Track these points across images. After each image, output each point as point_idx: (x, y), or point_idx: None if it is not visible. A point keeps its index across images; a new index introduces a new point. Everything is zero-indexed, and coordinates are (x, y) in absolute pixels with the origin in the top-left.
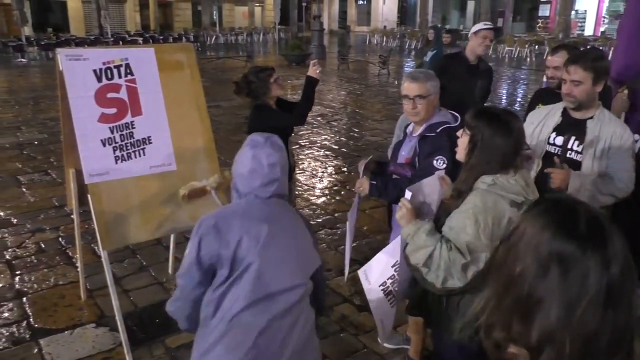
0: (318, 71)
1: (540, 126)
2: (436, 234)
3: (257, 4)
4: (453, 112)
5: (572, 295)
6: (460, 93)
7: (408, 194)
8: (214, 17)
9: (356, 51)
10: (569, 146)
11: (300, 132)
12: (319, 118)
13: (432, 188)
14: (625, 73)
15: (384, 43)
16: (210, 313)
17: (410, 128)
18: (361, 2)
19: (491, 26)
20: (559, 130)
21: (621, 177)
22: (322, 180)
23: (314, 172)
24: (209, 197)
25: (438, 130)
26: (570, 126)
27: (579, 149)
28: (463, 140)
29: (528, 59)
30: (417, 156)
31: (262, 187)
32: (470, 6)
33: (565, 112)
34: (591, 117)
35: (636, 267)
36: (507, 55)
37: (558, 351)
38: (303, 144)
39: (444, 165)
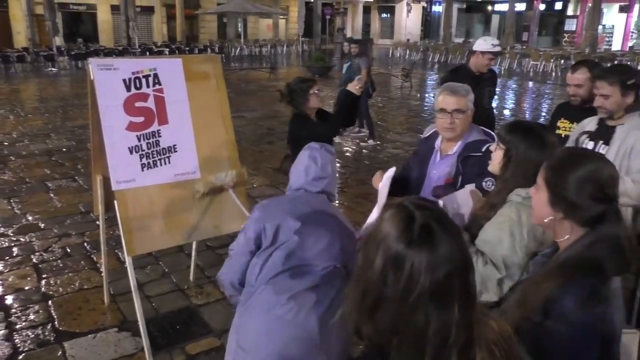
0: (357, 87)
1: (578, 135)
2: (472, 247)
3: (282, 17)
4: (483, 128)
5: (401, 293)
6: None
7: (441, 204)
8: (239, 29)
9: (379, 64)
10: (596, 149)
11: None
12: (339, 129)
13: (465, 200)
14: None
15: (406, 56)
16: (255, 273)
17: (437, 144)
18: (384, 15)
19: (499, 50)
20: (591, 136)
21: (637, 178)
22: (344, 193)
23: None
24: (233, 206)
25: (484, 150)
26: (602, 132)
27: (603, 151)
28: (497, 154)
29: (553, 74)
30: (459, 176)
31: (313, 181)
32: (495, 20)
33: (601, 120)
34: (622, 124)
35: None
36: (532, 70)
37: (396, 346)
38: None
39: (493, 187)
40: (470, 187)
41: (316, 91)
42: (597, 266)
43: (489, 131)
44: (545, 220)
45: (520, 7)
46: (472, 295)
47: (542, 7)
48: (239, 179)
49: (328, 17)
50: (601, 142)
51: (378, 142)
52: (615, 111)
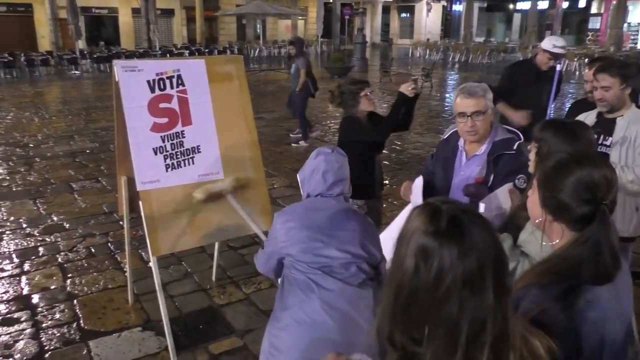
0: (410, 88)
1: None
2: (516, 250)
3: (300, 18)
4: (506, 127)
5: (433, 283)
6: (529, 98)
7: (482, 207)
8: (258, 31)
9: (398, 64)
10: (600, 141)
11: None
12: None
13: (504, 199)
14: None
15: (426, 56)
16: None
17: (461, 145)
18: (404, 14)
19: (559, 52)
20: (593, 129)
21: (636, 168)
22: None
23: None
24: (255, 207)
25: (515, 148)
26: (602, 125)
27: (608, 143)
28: (532, 154)
29: (577, 73)
30: (491, 175)
31: (332, 186)
32: (517, 19)
33: (599, 114)
34: (621, 116)
35: None
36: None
37: (428, 338)
38: None
39: (525, 184)
40: (509, 186)
41: (368, 94)
42: (571, 271)
43: (513, 129)
44: (537, 221)
45: (543, 5)
46: (506, 286)
47: (565, 5)
48: (237, 184)
49: (347, 17)
50: (602, 135)
51: (308, 144)
52: (615, 104)
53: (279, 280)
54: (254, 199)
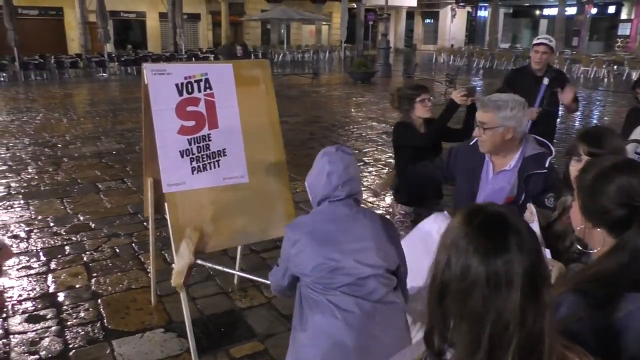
0: (460, 95)
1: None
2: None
3: (324, 23)
4: (536, 137)
5: (459, 275)
6: (528, 103)
7: None
8: (282, 35)
9: (422, 69)
10: None
11: (365, 150)
12: (383, 136)
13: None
14: None
15: (450, 61)
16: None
17: (488, 157)
18: (428, 20)
19: (542, 41)
20: None
21: None
22: (386, 199)
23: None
24: (279, 211)
25: (547, 165)
26: None
27: None
28: (572, 168)
29: (605, 80)
30: (522, 194)
31: (339, 188)
32: (543, 25)
33: None
34: None
35: None
36: (582, 76)
37: (454, 332)
38: (367, 161)
39: (554, 202)
40: (531, 207)
41: (425, 100)
42: (611, 278)
43: (543, 140)
44: (578, 229)
45: (571, 11)
46: (541, 295)
47: (593, 10)
48: (196, 239)
49: (371, 22)
50: None
51: None
52: None
53: (297, 295)
54: (278, 203)
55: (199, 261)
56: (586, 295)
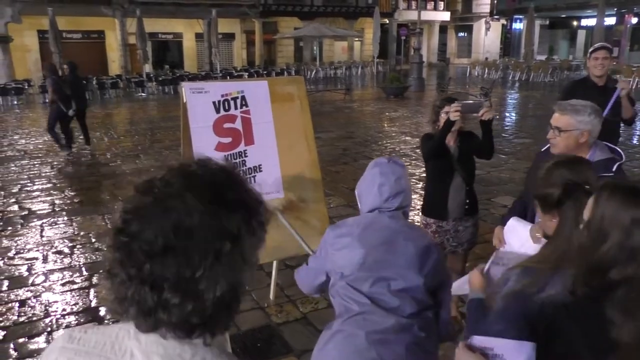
0: (452, 111)
1: None
2: None
3: (357, 39)
4: (608, 144)
5: None
6: None
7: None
8: (315, 52)
9: (456, 83)
10: None
11: None
12: (417, 150)
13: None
14: None
15: (485, 75)
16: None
17: None
18: (461, 34)
19: (602, 46)
20: None
21: None
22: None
23: (412, 206)
24: (314, 226)
25: (614, 170)
26: None
27: None
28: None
29: None
30: None
31: (390, 199)
32: (581, 36)
33: None
34: None
35: None
36: None
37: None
38: None
39: None
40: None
41: (452, 112)
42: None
43: (615, 148)
44: (537, 226)
45: (610, 21)
46: None
47: (634, 20)
48: (287, 203)
49: (403, 37)
50: None
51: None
52: None
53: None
54: (313, 219)
55: None
56: (527, 271)
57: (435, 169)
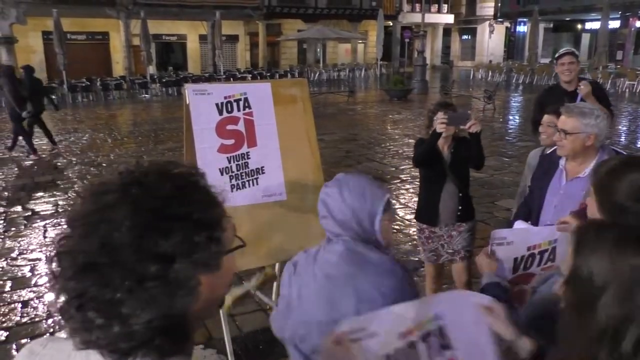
0: (438, 122)
1: None
2: None
3: (360, 42)
4: (614, 148)
5: None
6: None
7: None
8: (318, 54)
9: (460, 86)
10: None
11: (402, 167)
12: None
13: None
14: None
15: (489, 78)
16: None
17: (562, 164)
18: (465, 37)
19: (566, 52)
20: None
21: None
22: None
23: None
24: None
25: None
26: None
27: None
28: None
29: None
30: None
31: (334, 228)
32: (585, 39)
33: None
34: None
35: None
36: (627, 90)
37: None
38: (404, 178)
39: None
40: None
41: (437, 124)
42: None
43: (621, 151)
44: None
45: (614, 24)
46: None
47: (638, 24)
48: (264, 279)
49: (407, 40)
50: None
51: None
52: None
53: None
54: (315, 221)
55: (257, 292)
56: None
57: (428, 174)
